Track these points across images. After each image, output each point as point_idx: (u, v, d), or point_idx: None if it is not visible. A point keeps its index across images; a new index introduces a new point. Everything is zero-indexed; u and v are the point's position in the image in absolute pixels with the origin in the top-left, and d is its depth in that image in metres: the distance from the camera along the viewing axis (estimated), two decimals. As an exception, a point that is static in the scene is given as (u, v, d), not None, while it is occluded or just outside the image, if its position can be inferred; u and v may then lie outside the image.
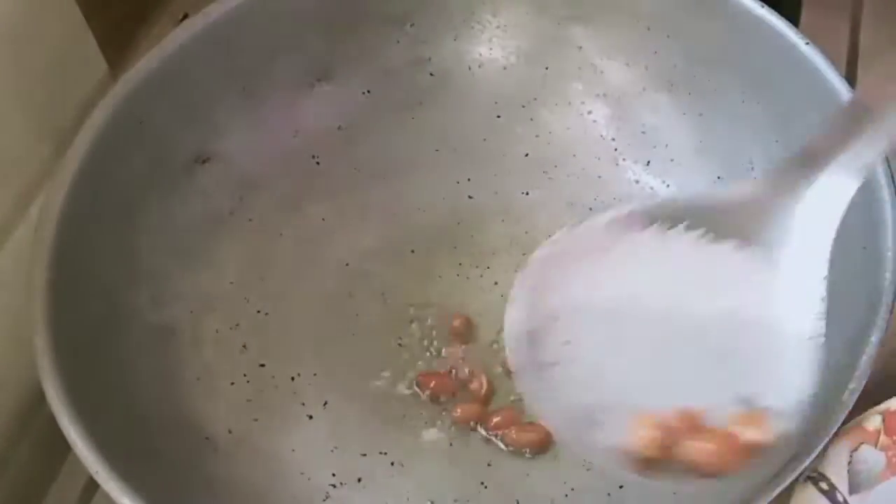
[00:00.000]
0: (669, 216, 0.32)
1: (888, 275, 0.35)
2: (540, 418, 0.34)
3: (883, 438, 0.31)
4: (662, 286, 0.32)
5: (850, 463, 0.30)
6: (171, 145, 0.43)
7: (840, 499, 0.29)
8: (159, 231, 0.42)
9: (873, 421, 0.31)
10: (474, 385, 0.42)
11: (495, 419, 0.41)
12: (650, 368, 0.32)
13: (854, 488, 0.29)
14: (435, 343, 0.43)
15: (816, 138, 0.32)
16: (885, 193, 0.36)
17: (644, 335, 0.32)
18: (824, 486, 0.29)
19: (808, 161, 0.31)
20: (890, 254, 0.35)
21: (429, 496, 0.40)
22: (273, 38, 0.45)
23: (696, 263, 0.32)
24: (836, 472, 0.29)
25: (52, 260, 0.37)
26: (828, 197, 0.31)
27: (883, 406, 0.32)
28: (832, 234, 0.31)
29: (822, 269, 0.31)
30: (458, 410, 0.41)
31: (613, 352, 0.32)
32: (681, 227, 0.32)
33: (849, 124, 0.31)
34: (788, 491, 0.36)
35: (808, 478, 0.30)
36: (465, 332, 0.43)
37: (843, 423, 0.31)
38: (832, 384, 0.33)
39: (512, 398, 0.42)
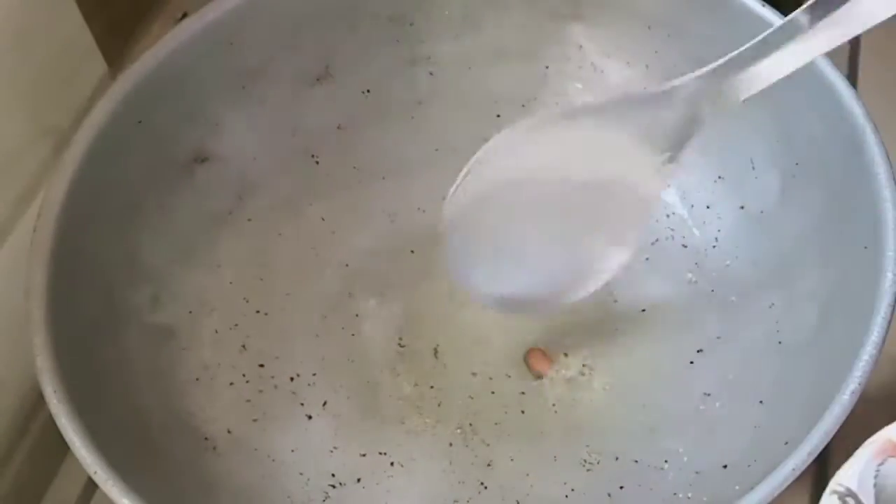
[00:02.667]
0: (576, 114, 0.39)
1: (889, 275, 0.35)
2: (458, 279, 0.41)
3: None
4: (562, 163, 0.38)
5: (875, 477, 0.29)
6: (170, 145, 0.43)
7: None
8: (158, 231, 0.42)
9: None
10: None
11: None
12: (547, 240, 0.39)
13: (880, 503, 0.29)
14: (435, 343, 0.43)
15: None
16: (886, 193, 0.36)
17: (544, 202, 0.39)
18: (850, 500, 0.29)
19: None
20: (891, 253, 0.35)
21: (428, 497, 0.40)
22: (272, 37, 0.45)
23: (589, 142, 0.38)
24: (862, 486, 0.29)
25: (50, 260, 0.37)
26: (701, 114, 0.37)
27: None
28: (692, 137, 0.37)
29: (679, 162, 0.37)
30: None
31: (521, 221, 0.39)
32: (581, 114, 0.39)
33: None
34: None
35: (834, 492, 0.30)
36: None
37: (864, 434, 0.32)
38: (834, 384, 0.33)
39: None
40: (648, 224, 0.39)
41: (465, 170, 0.38)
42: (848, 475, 0.29)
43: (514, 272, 0.40)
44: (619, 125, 0.37)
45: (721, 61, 0.35)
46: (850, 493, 0.29)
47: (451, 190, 0.38)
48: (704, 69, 0.36)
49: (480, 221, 0.39)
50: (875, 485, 0.29)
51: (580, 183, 0.38)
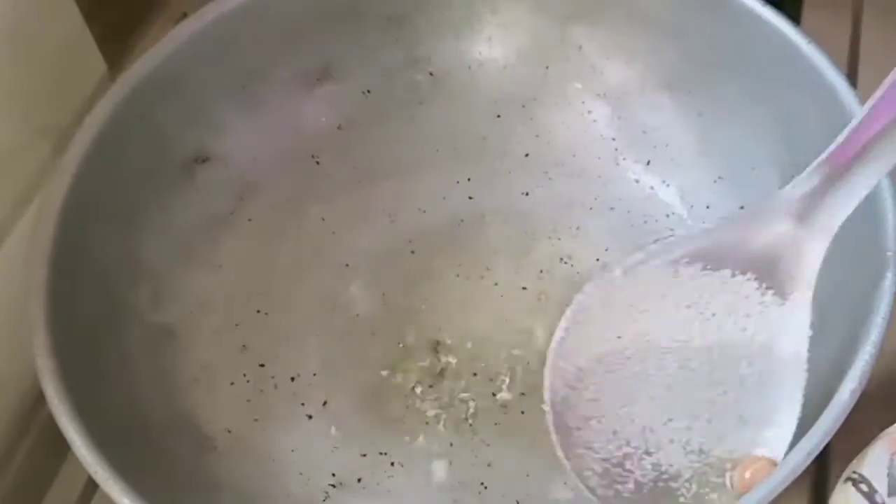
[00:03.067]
0: (671, 257, 0.35)
1: (889, 275, 0.35)
2: (578, 477, 0.37)
3: None
4: (671, 324, 0.35)
5: (889, 465, 0.30)
6: (171, 145, 0.43)
7: (879, 500, 0.29)
8: (158, 231, 0.42)
9: None
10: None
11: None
12: (666, 408, 0.35)
13: (893, 490, 0.29)
14: (436, 343, 0.43)
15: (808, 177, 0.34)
16: (886, 193, 0.36)
17: (658, 375, 0.35)
18: (864, 487, 0.29)
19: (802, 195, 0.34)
20: (891, 253, 0.35)
21: (429, 497, 0.40)
22: (273, 37, 0.45)
23: (697, 296, 0.35)
24: (876, 474, 0.29)
25: (50, 259, 0.37)
26: (820, 227, 0.34)
27: None
28: (820, 261, 0.34)
29: (809, 296, 0.35)
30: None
31: (634, 398, 0.35)
32: (682, 262, 0.35)
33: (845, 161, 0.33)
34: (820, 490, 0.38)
35: (849, 479, 0.30)
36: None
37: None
38: (833, 384, 0.33)
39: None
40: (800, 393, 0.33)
41: (561, 324, 0.35)
42: (862, 464, 0.30)
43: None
44: (723, 264, 0.34)
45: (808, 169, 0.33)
46: (864, 479, 0.29)
47: (552, 347, 0.35)
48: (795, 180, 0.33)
49: (587, 393, 0.35)
50: (888, 475, 0.29)
51: (701, 346, 0.34)
